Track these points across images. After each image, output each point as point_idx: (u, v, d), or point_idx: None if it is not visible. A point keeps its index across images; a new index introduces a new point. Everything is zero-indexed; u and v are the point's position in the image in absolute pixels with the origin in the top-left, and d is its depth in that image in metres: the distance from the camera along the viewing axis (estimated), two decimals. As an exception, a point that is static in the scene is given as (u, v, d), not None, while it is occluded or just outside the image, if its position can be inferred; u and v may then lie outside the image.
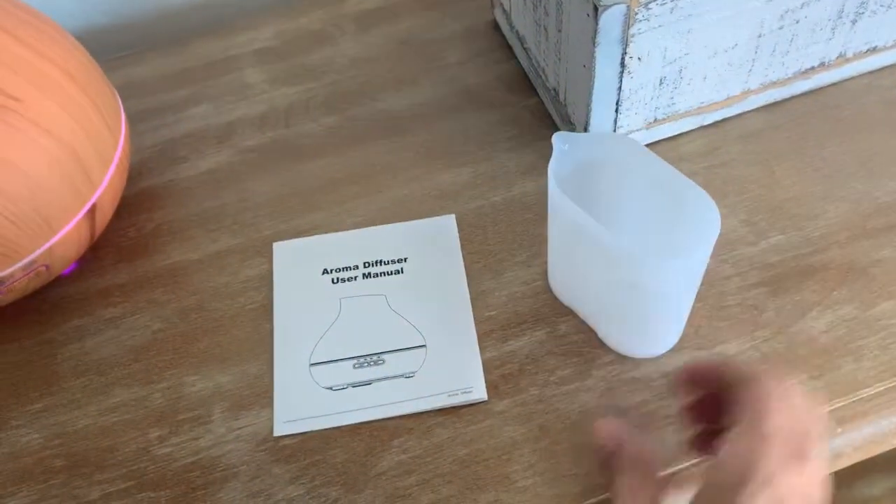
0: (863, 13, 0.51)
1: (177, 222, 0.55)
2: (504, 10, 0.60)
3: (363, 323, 0.49)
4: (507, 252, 0.51)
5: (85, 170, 0.46)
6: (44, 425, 0.46)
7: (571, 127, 0.53)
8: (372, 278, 0.50)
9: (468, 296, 0.49)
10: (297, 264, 0.52)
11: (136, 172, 0.57)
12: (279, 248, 0.52)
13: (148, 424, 0.46)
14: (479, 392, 0.45)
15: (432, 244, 0.52)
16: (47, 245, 0.45)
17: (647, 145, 0.54)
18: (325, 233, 0.53)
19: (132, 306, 0.51)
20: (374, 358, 0.47)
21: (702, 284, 0.43)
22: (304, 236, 0.53)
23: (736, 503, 0.30)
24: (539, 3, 0.52)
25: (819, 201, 0.51)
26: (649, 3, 0.44)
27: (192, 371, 0.48)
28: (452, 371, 0.46)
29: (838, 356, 0.45)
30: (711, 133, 0.55)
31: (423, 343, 0.47)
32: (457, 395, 0.45)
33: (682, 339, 0.46)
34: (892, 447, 0.44)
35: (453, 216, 0.52)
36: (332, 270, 0.51)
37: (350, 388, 0.46)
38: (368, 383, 0.46)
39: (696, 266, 0.40)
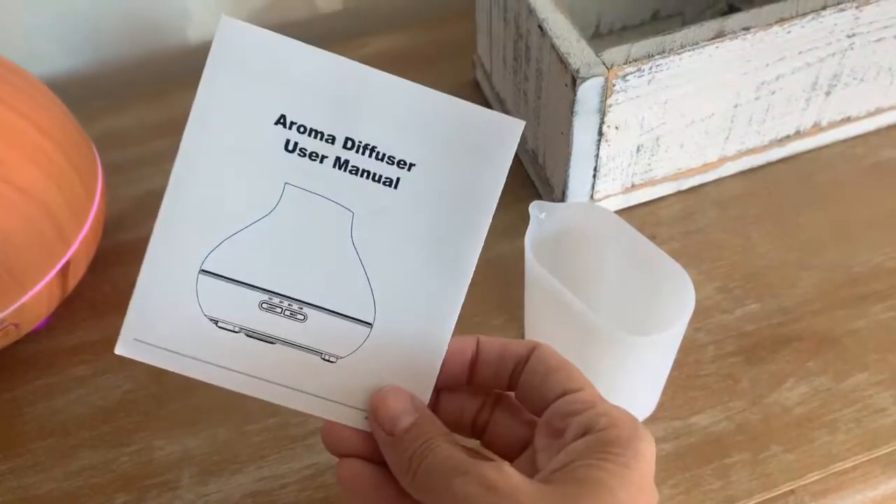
0: (836, 85, 0.52)
1: (151, 278, 0.54)
2: (485, 72, 0.61)
3: (303, 240, 0.31)
4: (483, 315, 0.51)
5: (58, 227, 0.46)
6: (7, 488, 0.45)
7: (550, 189, 0.54)
8: (347, 172, 0.31)
9: (471, 269, 0.32)
10: (244, 73, 0.30)
11: (112, 225, 0.57)
12: (228, 31, 0.31)
13: (114, 489, 0.45)
14: None
15: (465, 157, 0.31)
16: (17, 304, 0.45)
17: (625, 210, 0.54)
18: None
19: (103, 365, 0.50)
20: (294, 306, 0.31)
21: (678, 353, 0.43)
22: None
23: None
24: (520, 68, 0.53)
25: (794, 269, 0.51)
26: (627, 75, 0.45)
27: (162, 434, 0.47)
28: (392, 379, 0.32)
29: (812, 428, 0.45)
30: (688, 198, 0.55)
31: (371, 320, 0.32)
32: None
33: (656, 409, 0.46)
34: (866, 522, 0.44)
35: (523, 123, 0.31)
36: (291, 125, 0.30)
37: (242, 336, 0.31)
38: (270, 341, 0.31)
39: (672, 341, 0.40)
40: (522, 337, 0.49)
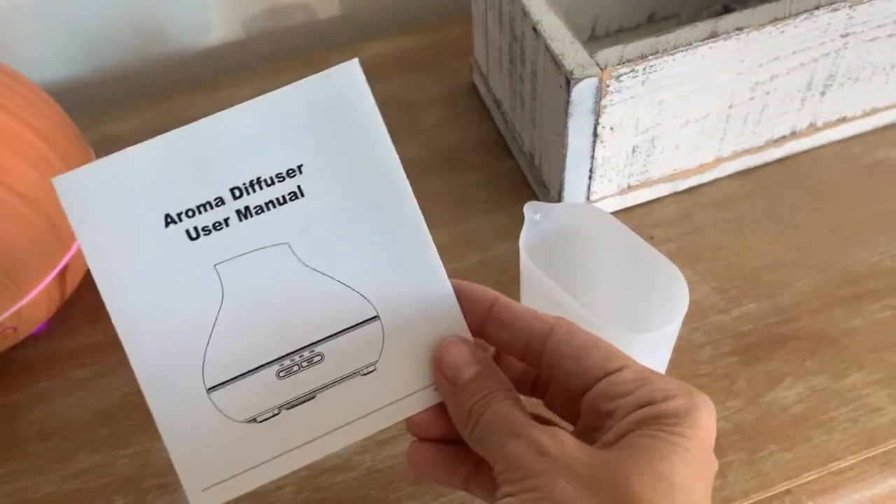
0: (831, 85, 0.52)
1: (150, 282, 0.54)
2: (482, 75, 0.61)
3: (268, 299, 0.30)
4: (480, 317, 0.51)
5: (56, 231, 0.46)
6: (6, 492, 0.45)
7: (546, 191, 0.54)
8: (254, 216, 0.30)
9: (414, 207, 0.31)
10: (110, 215, 0.29)
11: (111, 230, 0.57)
12: (67, 187, 0.29)
13: (112, 492, 0.45)
14: None
15: (334, 125, 0.30)
16: (16, 307, 0.45)
17: (621, 211, 0.54)
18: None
19: (102, 368, 0.50)
20: (306, 354, 0.31)
21: (674, 353, 0.43)
22: None
23: None
24: (515, 70, 0.53)
25: (791, 269, 0.52)
26: (620, 76, 0.45)
27: (161, 436, 0.47)
28: (431, 340, 0.31)
29: (809, 427, 0.45)
30: (685, 199, 0.55)
31: (375, 313, 0.31)
32: None
33: (654, 409, 0.46)
34: (863, 521, 0.44)
35: (356, 60, 0.30)
36: (180, 216, 0.29)
37: (284, 413, 0.31)
38: (310, 398, 0.31)
39: (665, 339, 0.40)
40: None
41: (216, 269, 0.30)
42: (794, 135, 0.55)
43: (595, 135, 0.47)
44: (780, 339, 0.48)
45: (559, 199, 0.52)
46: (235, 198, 0.30)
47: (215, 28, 0.70)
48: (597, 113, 0.46)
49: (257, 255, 0.30)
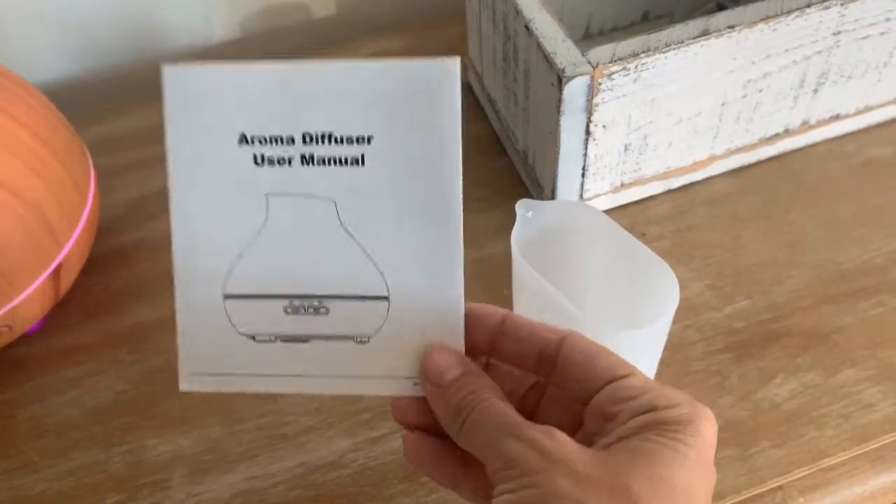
0: (824, 83, 0.52)
1: (146, 281, 0.55)
2: (476, 73, 0.61)
3: (301, 241, 0.33)
4: (474, 314, 0.51)
5: (51, 230, 0.46)
6: (0, 489, 0.45)
7: (540, 189, 0.54)
8: (315, 165, 0.32)
9: (458, 213, 0.32)
10: (201, 112, 0.32)
11: (106, 229, 0.57)
12: (174, 79, 0.33)
13: (106, 489, 0.45)
14: None
15: (415, 113, 0.31)
16: (10, 305, 0.45)
17: (614, 209, 0.54)
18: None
19: (96, 366, 0.50)
20: (315, 303, 0.33)
21: (667, 350, 0.43)
22: None
23: None
24: (509, 69, 0.53)
25: (784, 266, 0.52)
26: (612, 73, 0.45)
27: (154, 434, 0.47)
28: (427, 341, 0.33)
29: (801, 424, 0.45)
30: (678, 197, 0.55)
31: (386, 294, 0.33)
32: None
33: (646, 406, 0.46)
34: (855, 517, 0.44)
35: (457, 60, 0.31)
36: (254, 139, 0.32)
37: (279, 343, 0.33)
38: (305, 340, 0.33)
39: (657, 336, 0.40)
40: (512, 335, 0.49)
41: (266, 198, 0.32)
42: (787, 132, 0.55)
43: (587, 133, 0.48)
44: (772, 336, 0.48)
45: (553, 196, 0.52)
46: (304, 143, 0.32)
47: (212, 28, 0.70)
48: (589, 111, 0.46)
49: (305, 200, 0.32)
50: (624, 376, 0.29)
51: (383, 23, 0.73)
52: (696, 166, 0.55)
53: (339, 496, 0.44)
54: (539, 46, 0.46)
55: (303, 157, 0.32)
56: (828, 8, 0.47)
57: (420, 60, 0.31)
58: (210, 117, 0.32)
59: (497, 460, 0.28)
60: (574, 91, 0.45)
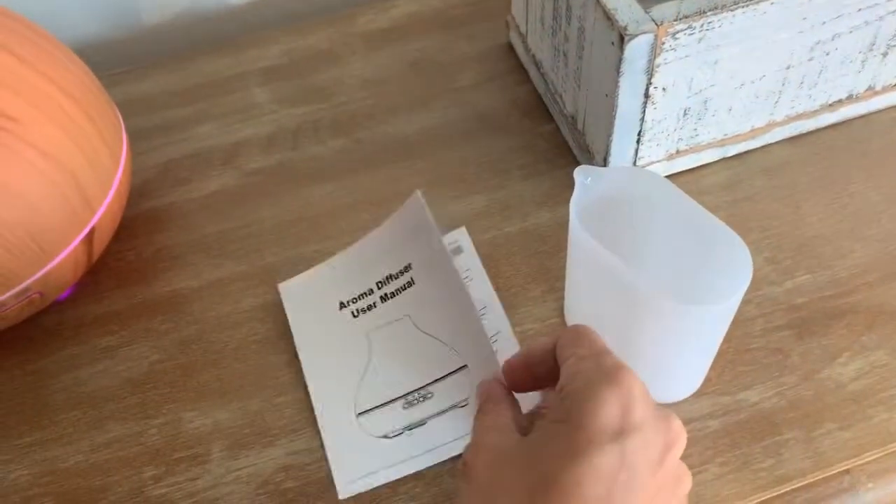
0: (894, 45, 0.49)
1: (178, 247, 0.53)
2: (520, 33, 0.59)
3: (399, 355, 0.44)
4: (520, 286, 0.49)
5: (83, 193, 0.44)
6: (34, 461, 0.44)
7: (589, 156, 0.51)
8: (389, 299, 0.45)
9: (470, 301, 0.41)
10: (309, 303, 0.47)
11: (137, 193, 0.55)
12: (286, 290, 0.48)
13: (142, 462, 0.43)
14: None
15: (419, 240, 0.44)
16: (42, 272, 0.43)
17: (667, 177, 0.52)
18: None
19: (129, 335, 0.49)
20: (423, 393, 0.43)
21: (725, 326, 0.41)
22: (308, 265, 0.49)
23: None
24: (559, 28, 0.50)
25: (846, 240, 0.49)
26: (677, 32, 0.42)
27: (190, 406, 0.45)
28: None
29: (869, 406, 0.43)
30: (734, 165, 0.53)
31: (464, 363, 0.43)
32: None
33: (703, 384, 0.44)
34: (924, 503, 0.42)
35: (417, 192, 0.43)
36: (348, 302, 0.46)
37: (405, 433, 0.43)
38: (422, 423, 0.42)
39: (725, 314, 0.38)
40: (561, 308, 0.47)
41: (367, 336, 0.45)
42: (850, 98, 0.52)
43: (646, 96, 0.45)
44: (835, 313, 0.46)
45: (604, 164, 0.49)
46: (378, 288, 0.46)
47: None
48: (650, 72, 0.44)
49: (392, 324, 0.45)
50: (570, 357, 0.33)
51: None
52: (754, 133, 0.52)
53: (440, 473, 0.42)
54: (598, 2, 0.43)
55: (382, 297, 0.46)
56: (907, -36, 0.44)
57: (398, 211, 0.45)
58: (315, 300, 0.47)
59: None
60: (636, 50, 0.42)
